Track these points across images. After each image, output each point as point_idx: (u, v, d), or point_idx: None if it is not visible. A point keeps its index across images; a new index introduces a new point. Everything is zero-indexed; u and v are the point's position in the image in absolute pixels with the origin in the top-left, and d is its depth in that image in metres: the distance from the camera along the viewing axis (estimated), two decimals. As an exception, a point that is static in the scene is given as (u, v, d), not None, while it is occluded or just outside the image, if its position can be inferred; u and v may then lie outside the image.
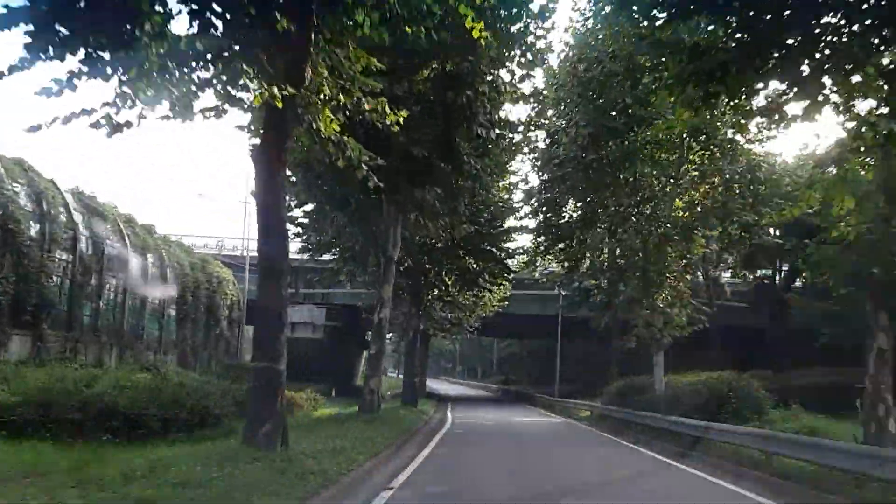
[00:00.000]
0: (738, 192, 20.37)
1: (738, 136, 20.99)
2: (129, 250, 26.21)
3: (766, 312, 34.54)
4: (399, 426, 17.09)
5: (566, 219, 27.14)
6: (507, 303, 38.09)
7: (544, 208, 27.82)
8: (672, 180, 21.44)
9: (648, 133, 18.52)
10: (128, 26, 7.19)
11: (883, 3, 7.78)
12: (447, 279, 27.42)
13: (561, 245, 29.29)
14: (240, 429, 17.20)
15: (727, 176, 20.35)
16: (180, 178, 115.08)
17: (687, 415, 16.41)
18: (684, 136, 21.29)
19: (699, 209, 21.53)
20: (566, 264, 28.19)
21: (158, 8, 7.28)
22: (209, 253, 40.20)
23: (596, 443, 18.78)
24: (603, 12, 16.41)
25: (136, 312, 27.03)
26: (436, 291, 27.90)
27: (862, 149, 10.05)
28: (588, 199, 23.20)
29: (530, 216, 28.42)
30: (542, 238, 29.22)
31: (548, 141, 25.48)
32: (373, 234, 17.92)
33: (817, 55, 8.34)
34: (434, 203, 16.72)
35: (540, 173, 26.42)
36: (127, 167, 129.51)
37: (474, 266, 26.90)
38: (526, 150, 26.64)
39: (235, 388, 22.01)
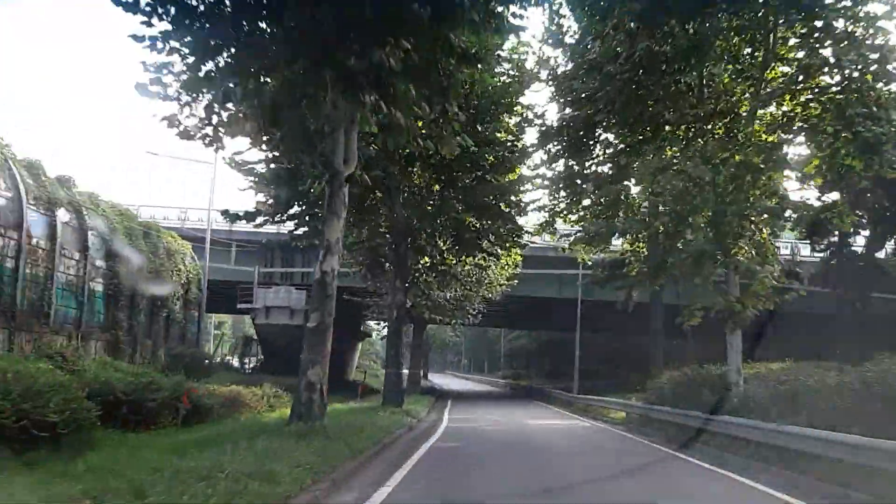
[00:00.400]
0: (858, 93, 13.56)
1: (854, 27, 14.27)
2: (24, 203, 19.82)
3: (838, 295, 27.72)
4: (348, 444, 10.47)
5: (598, 159, 20.43)
6: (516, 282, 31.45)
7: (566, 154, 21.15)
8: (754, 84, 14.76)
9: None
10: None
11: None
12: (441, 242, 20.82)
13: (587, 202, 22.68)
14: (105, 445, 10.79)
15: (847, 71, 13.57)
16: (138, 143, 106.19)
17: (828, 426, 9.67)
18: (770, 20, 14.57)
19: (795, 125, 14.83)
20: (594, 223, 21.43)
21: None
22: (171, 226, 33.71)
23: (669, 469, 11.97)
24: None
25: (39, 285, 20.51)
26: (426, 259, 21.28)
27: None
28: (635, 118, 16.33)
29: (547, 165, 21.72)
30: (563, 193, 22.55)
31: (570, 65, 18.88)
32: (308, 133, 11.14)
33: None
34: (405, 83, 10.11)
35: (561, 102, 19.75)
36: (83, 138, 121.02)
37: (475, 224, 20.27)
38: (543, 74, 20.07)
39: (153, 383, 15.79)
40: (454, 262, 21.59)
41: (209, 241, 31.38)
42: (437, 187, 19.93)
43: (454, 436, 16.27)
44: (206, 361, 27.22)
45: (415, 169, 19.25)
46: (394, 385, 20.51)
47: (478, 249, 20.73)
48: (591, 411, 26.29)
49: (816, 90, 14.29)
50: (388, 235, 20.27)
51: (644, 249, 23.39)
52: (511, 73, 20.11)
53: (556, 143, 21.22)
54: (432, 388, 51.37)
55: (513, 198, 20.47)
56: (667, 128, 15.94)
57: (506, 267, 30.37)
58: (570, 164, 21.91)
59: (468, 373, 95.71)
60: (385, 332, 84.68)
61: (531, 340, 64.66)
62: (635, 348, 58.17)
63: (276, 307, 35.49)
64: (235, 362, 42.51)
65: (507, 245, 21.15)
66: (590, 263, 30.38)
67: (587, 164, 21.71)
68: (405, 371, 33.02)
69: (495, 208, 20.12)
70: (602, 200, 22.16)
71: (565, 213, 23.03)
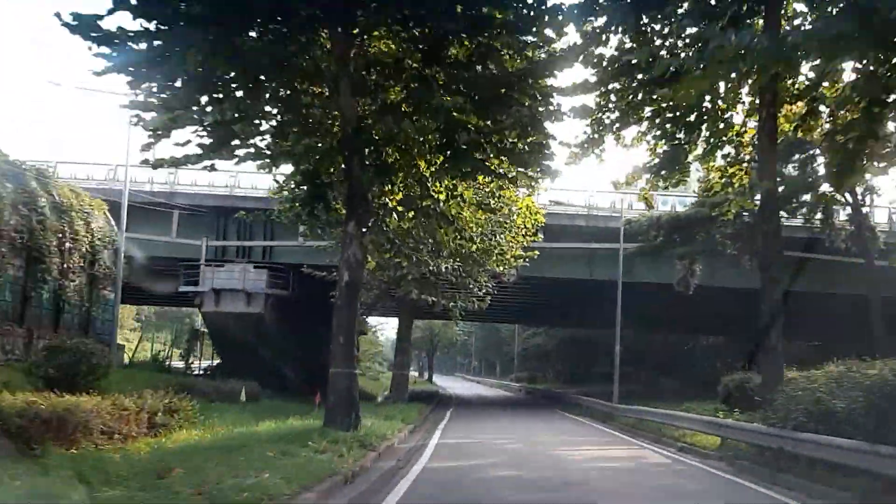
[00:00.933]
0: None
1: None
2: None
3: None
4: None
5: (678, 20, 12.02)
6: (536, 253, 22.92)
7: (627, 21, 12.79)
8: None
9: None
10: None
11: None
12: (421, 160, 12.30)
13: (648, 111, 14.40)
14: None
15: None
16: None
17: None
18: None
19: None
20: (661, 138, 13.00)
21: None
22: (99, 188, 25.47)
23: None
24: None
25: None
26: (398, 189, 12.65)
27: None
28: None
29: (586, 40, 13.29)
30: (615, 98, 14.12)
31: None
32: None
33: None
34: None
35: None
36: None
37: (476, 124, 11.64)
38: None
39: None
40: (444, 195, 12.93)
41: (126, 201, 23.17)
42: (412, 61, 11.54)
43: (427, 497, 7.88)
44: (100, 359, 18.89)
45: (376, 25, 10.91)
46: (342, 394, 12.04)
47: (480, 168, 12.11)
48: (646, 429, 17.78)
49: None
50: (335, 144, 11.89)
51: (745, 174, 14.84)
52: None
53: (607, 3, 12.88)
54: (434, 392, 43.13)
55: (537, 85, 11.96)
56: None
57: (521, 232, 21.96)
58: (625, 41, 13.59)
59: (479, 375, 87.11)
60: (395, 331, 77.41)
61: (549, 338, 55.98)
62: (674, 346, 49.45)
63: (229, 290, 27.22)
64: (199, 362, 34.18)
65: (529, 165, 12.49)
66: (647, 215, 21.90)
67: (657, 39, 13.34)
68: (402, 371, 24.51)
69: (507, 99, 11.69)
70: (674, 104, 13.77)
71: (618, 126, 14.59)
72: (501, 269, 22.21)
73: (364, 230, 12.40)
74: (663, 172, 14.23)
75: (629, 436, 17.63)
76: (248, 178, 27.46)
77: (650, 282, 27.59)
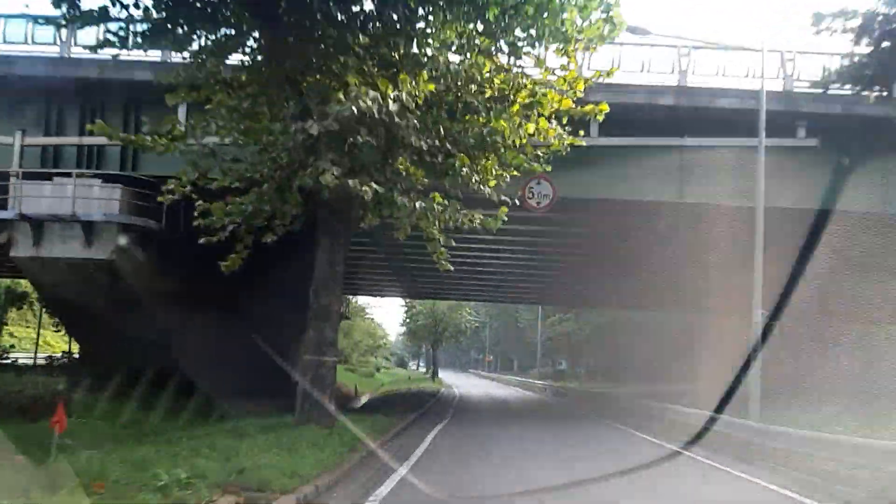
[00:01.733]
0: None
1: None
2: None
3: None
4: None
5: None
6: (583, 139, 11.00)
7: None
8: None
9: None
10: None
11: None
12: None
13: None
14: None
15: None
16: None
17: None
18: None
19: None
20: None
21: None
22: None
23: None
24: None
25: None
26: None
27: None
28: None
29: None
30: None
31: None
32: None
33: None
34: None
35: None
36: None
37: None
38: None
39: None
40: None
41: None
42: None
43: None
44: None
45: None
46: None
47: None
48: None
49: None
50: None
51: None
52: None
53: None
54: (431, 394, 31.52)
55: None
56: None
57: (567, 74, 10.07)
58: None
59: (495, 371, 74.97)
60: (398, 317, 65.85)
61: (581, 324, 43.72)
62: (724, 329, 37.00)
63: (56, 220, 15.49)
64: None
65: None
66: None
67: None
68: (319, 356, 11.63)
69: None
70: None
71: None
72: (529, 158, 10.25)
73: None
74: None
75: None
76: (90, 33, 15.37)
77: (787, 207, 15.34)
